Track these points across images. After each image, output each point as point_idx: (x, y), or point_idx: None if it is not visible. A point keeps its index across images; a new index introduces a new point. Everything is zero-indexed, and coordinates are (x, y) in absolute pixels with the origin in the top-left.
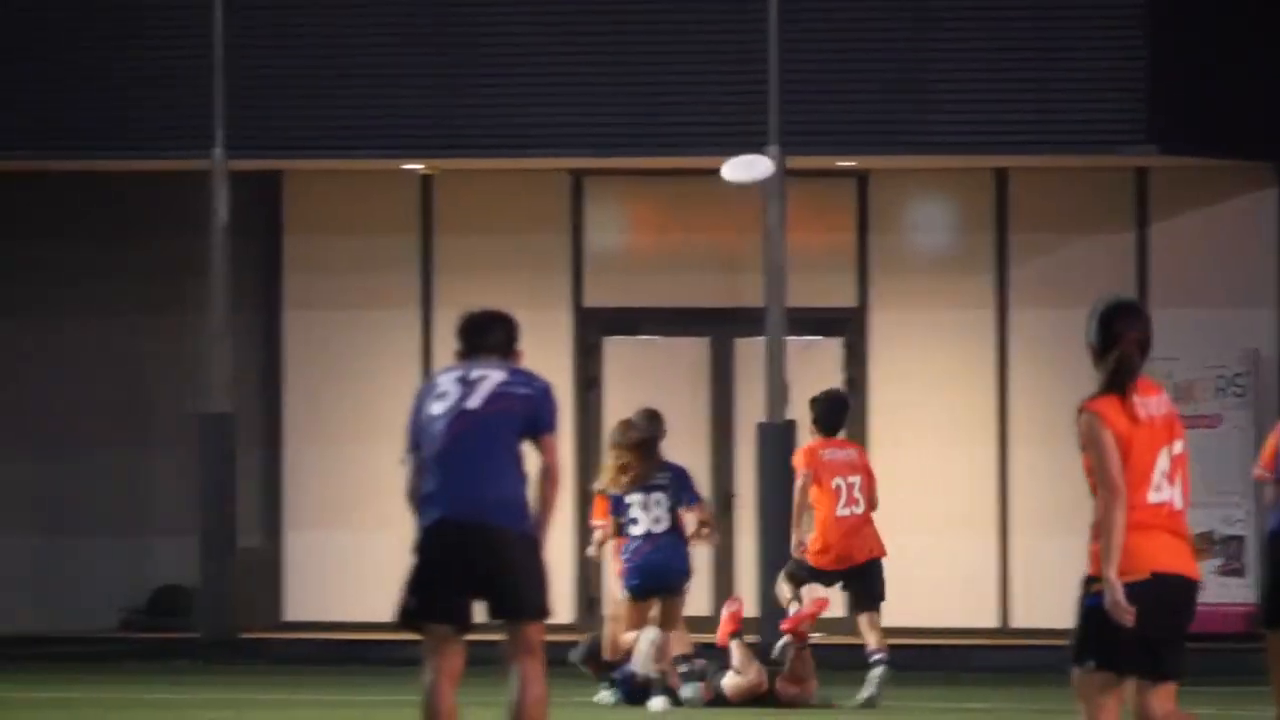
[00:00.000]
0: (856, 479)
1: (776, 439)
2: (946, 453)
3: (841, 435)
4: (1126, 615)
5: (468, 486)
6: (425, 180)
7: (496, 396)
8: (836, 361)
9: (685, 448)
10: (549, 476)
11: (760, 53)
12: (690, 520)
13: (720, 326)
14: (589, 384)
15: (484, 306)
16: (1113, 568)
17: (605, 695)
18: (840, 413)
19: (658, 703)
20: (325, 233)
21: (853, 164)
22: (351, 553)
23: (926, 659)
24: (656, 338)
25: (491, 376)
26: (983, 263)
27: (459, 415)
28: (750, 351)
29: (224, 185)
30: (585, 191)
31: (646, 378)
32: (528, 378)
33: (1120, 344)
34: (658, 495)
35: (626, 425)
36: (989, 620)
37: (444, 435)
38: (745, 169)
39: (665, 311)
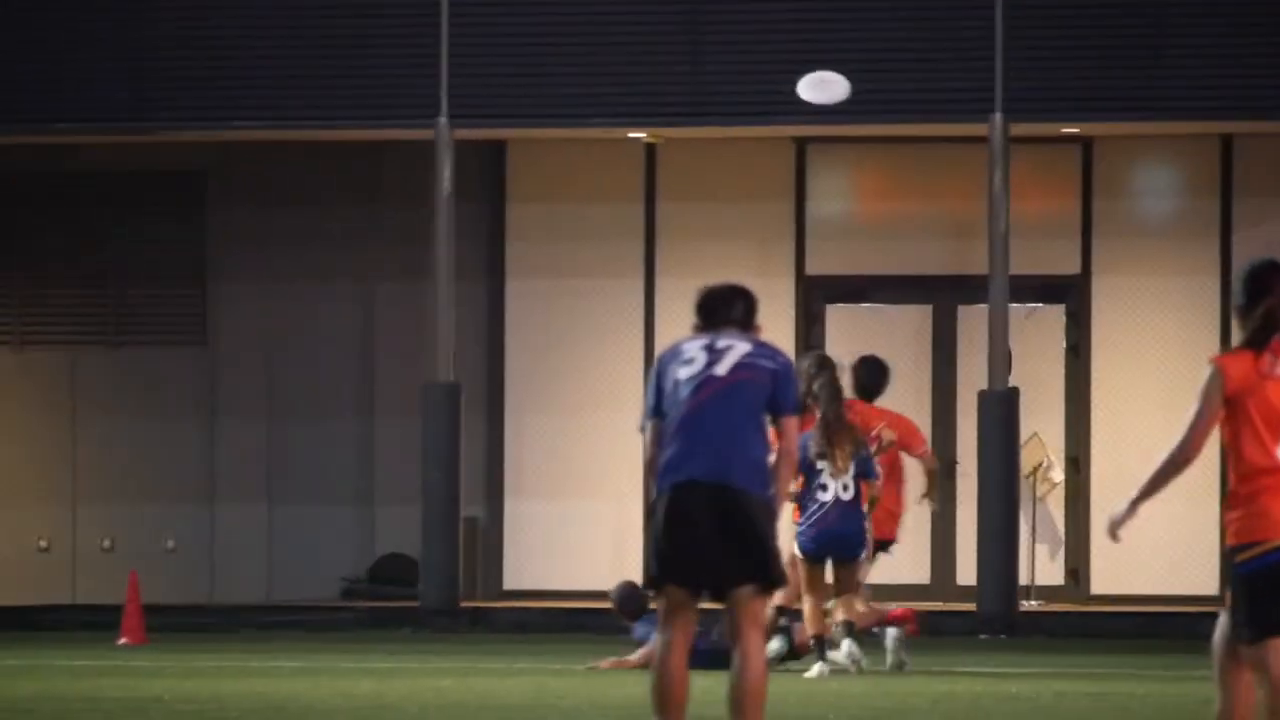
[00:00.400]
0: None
1: (999, 406)
2: (1168, 419)
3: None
4: (1118, 532)
5: (713, 449)
6: (649, 148)
7: (743, 366)
8: (1059, 328)
9: (907, 414)
10: (786, 459)
11: (986, 18)
12: (868, 492)
13: (943, 294)
14: (812, 351)
15: (723, 280)
16: (1140, 502)
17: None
18: (880, 378)
19: (816, 669)
20: (549, 201)
21: (1077, 130)
22: (573, 522)
23: (1149, 627)
24: (879, 305)
25: (738, 347)
26: (1207, 229)
27: (706, 380)
28: (973, 318)
29: (448, 154)
30: (808, 159)
31: (869, 345)
32: (772, 352)
33: (1265, 300)
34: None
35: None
36: (1211, 588)
37: (690, 400)
38: (820, 89)
39: (888, 279)
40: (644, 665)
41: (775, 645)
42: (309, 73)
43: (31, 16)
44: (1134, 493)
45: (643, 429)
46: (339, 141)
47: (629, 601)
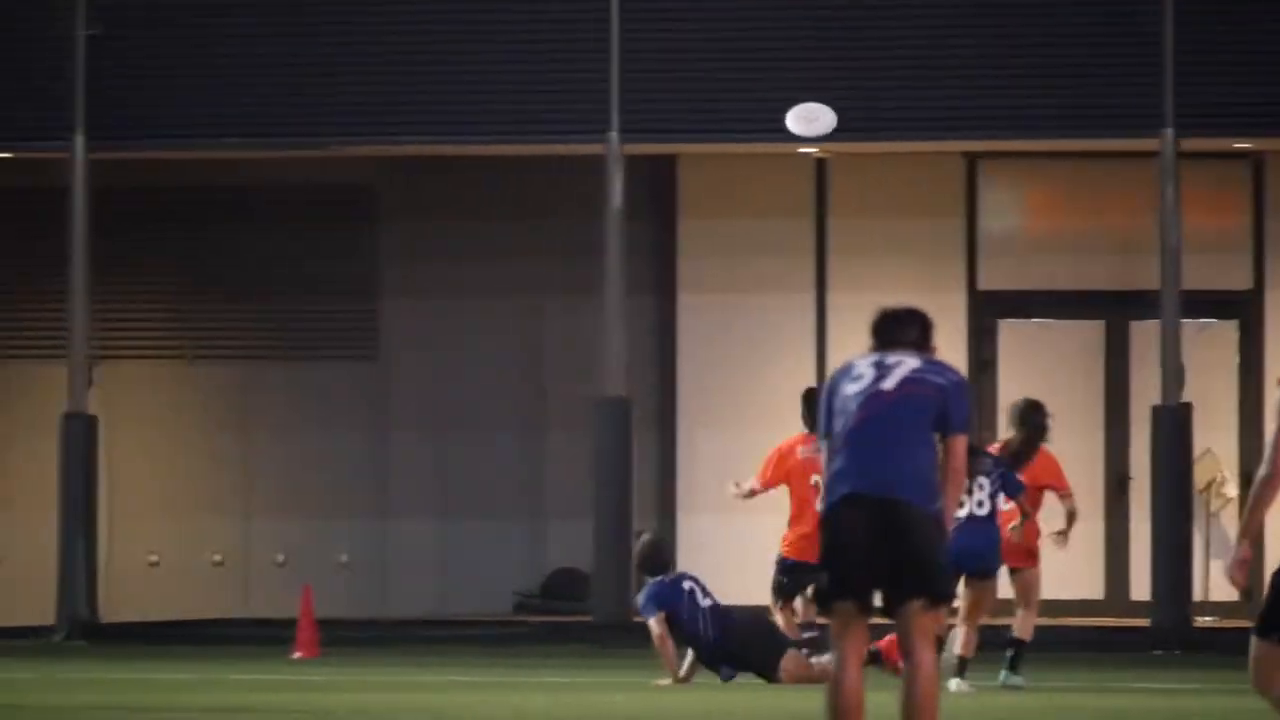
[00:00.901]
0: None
1: (1172, 422)
2: None
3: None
4: (1238, 579)
5: (879, 462)
6: (819, 163)
7: (911, 381)
8: (1231, 344)
9: (1079, 430)
10: (954, 478)
11: (1155, 34)
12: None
13: (1115, 309)
14: (983, 366)
15: (896, 298)
16: (1246, 536)
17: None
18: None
19: (954, 684)
20: (719, 216)
21: (1249, 145)
22: (744, 537)
23: None
24: (1051, 320)
25: (907, 363)
26: None
27: (873, 395)
28: (1145, 334)
29: (619, 169)
30: (979, 174)
31: (1041, 360)
32: (942, 368)
33: None
34: (981, 480)
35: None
36: None
37: (857, 414)
38: (807, 121)
39: (1060, 294)
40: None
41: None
42: (479, 88)
43: (201, 34)
44: (1240, 538)
45: (819, 450)
46: (509, 157)
47: (652, 558)
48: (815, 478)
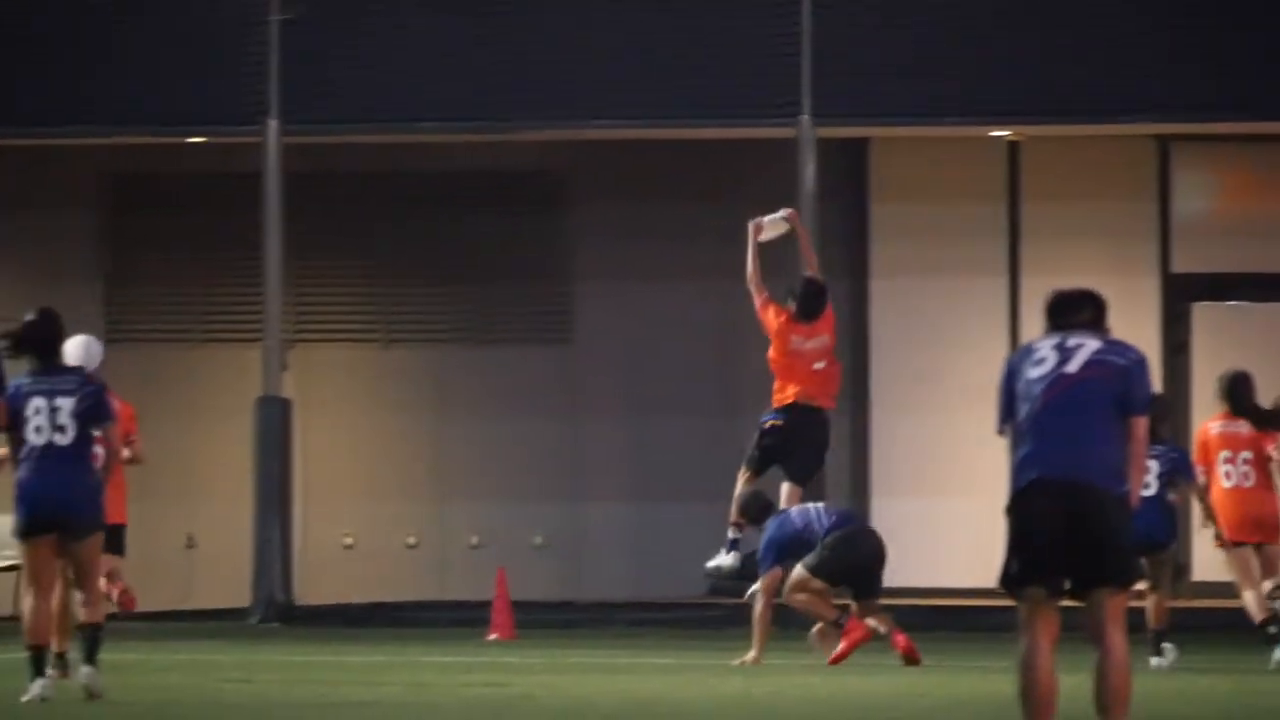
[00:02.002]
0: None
1: None
2: None
3: None
4: None
5: (1066, 447)
6: (1012, 146)
7: (1093, 363)
8: None
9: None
10: (1135, 460)
11: None
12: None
13: None
14: (1177, 349)
15: (1073, 285)
16: None
17: None
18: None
19: (1154, 662)
20: (911, 201)
21: None
22: (939, 520)
23: None
24: (1246, 303)
25: (1089, 345)
26: None
27: (1058, 379)
28: None
29: (811, 153)
30: (1172, 157)
31: (1236, 343)
32: (1123, 348)
33: None
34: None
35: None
36: None
37: (1042, 398)
38: (770, 226)
39: (1254, 277)
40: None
41: (728, 561)
42: (672, 71)
43: (393, 18)
44: None
45: (1001, 432)
46: (702, 140)
47: (752, 505)
48: (795, 339)
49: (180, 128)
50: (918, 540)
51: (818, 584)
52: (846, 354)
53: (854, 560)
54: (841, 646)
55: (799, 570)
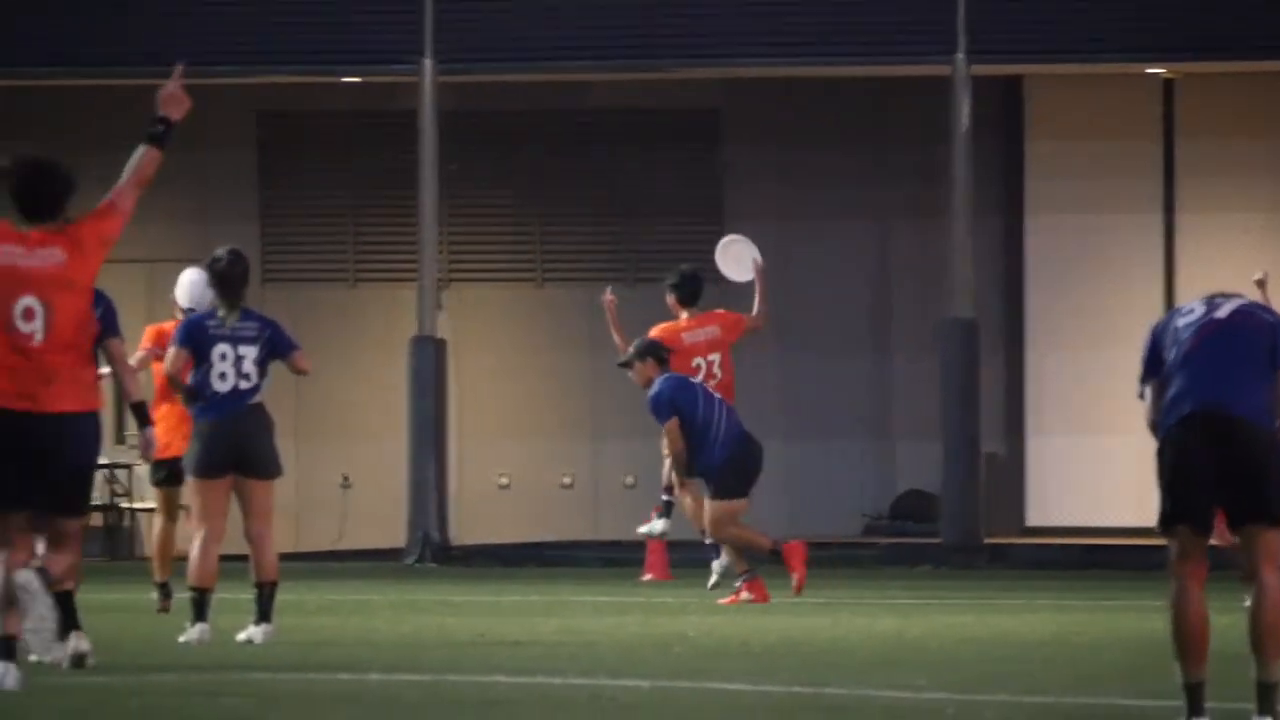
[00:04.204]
0: (716, 356)
1: None
2: None
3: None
4: None
5: (1217, 382)
6: (1167, 84)
7: (1242, 313)
8: None
9: None
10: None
11: None
12: None
13: None
14: None
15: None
16: None
17: None
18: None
19: None
20: (1066, 137)
21: None
22: (1094, 458)
23: None
24: None
25: (1235, 299)
26: None
27: (1207, 323)
28: None
29: (966, 91)
30: None
31: None
32: (1272, 310)
33: None
34: None
35: None
36: None
37: (1191, 339)
38: (735, 263)
39: None
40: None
41: (659, 525)
42: (825, 10)
43: None
44: None
45: (1141, 395)
46: (855, 78)
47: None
48: (696, 360)
49: (335, 67)
50: (1073, 478)
51: (740, 504)
52: (1000, 291)
53: (753, 472)
54: (799, 573)
55: (716, 505)
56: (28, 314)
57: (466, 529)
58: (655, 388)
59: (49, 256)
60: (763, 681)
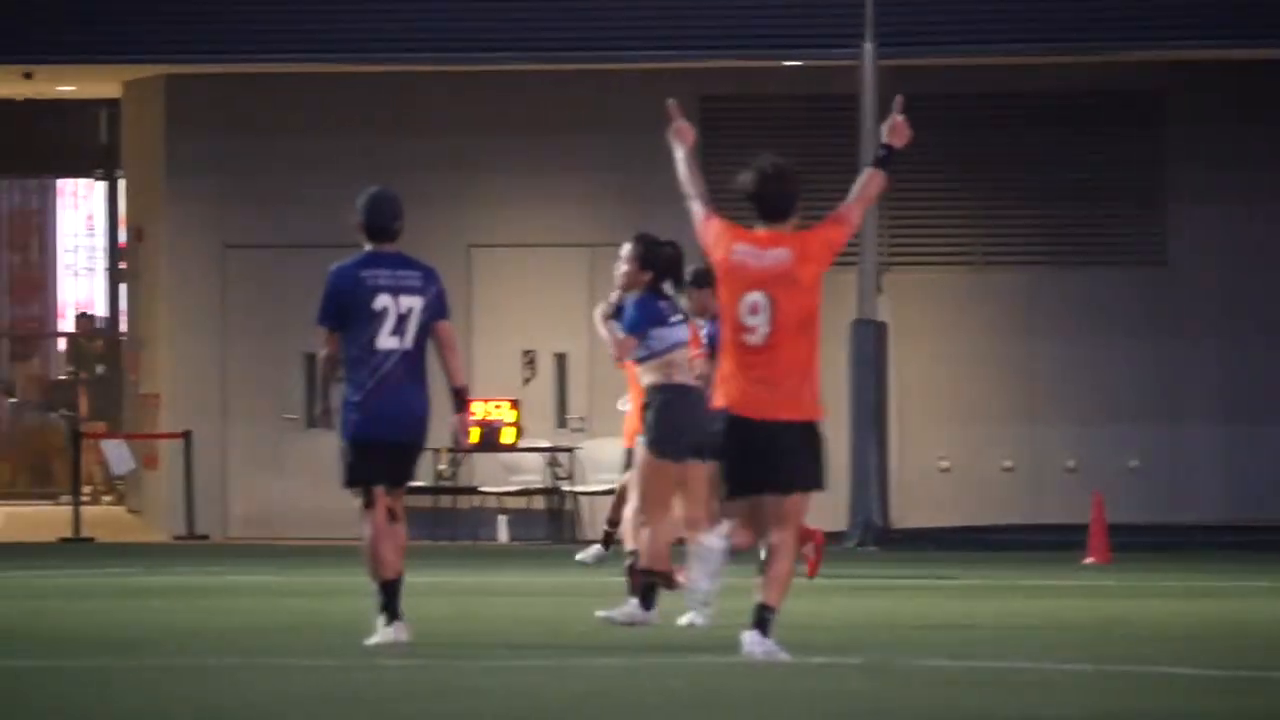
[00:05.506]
0: None
1: None
2: None
3: None
4: None
5: None
6: None
7: None
8: None
9: None
10: None
11: None
12: None
13: None
14: None
15: None
16: None
17: None
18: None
19: None
20: None
21: None
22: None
23: None
24: None
25: None
26: None
27: None
28: None
29: None
30: None
31: None
32: None
33: None
34: None
35: None
36: None
37: None
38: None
39: None
40: None
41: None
42: None
43: None
44: None
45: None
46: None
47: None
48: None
49: (779, 51)
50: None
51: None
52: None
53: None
54: (813, 556)
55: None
56: (753, 309)
57: (907, 512)
58: None
59: (778, 257)
60: (1207, 666)
